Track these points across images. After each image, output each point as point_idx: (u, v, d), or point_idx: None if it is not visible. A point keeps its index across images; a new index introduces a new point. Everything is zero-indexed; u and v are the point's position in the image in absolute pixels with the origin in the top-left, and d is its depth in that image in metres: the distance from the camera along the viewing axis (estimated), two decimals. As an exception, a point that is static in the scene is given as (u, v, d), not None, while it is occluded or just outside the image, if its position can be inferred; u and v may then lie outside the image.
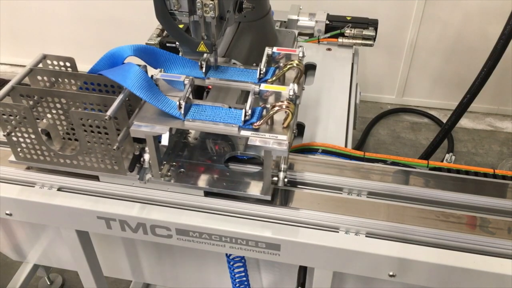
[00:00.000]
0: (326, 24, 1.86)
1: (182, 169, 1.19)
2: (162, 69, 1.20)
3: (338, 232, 1.11)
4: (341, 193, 1.20)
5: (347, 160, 1.30)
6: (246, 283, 1.34)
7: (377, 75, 3.28)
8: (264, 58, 1.21)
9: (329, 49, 1.85)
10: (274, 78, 1.18)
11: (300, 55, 1.22)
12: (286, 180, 1.16)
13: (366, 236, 1.10)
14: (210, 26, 1.11)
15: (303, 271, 1.26)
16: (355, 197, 1.19)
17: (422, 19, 2.97)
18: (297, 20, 1.89)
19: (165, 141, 1.09)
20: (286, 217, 1.14)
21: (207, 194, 1.17)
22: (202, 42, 1.14)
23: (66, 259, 1.59)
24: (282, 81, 1.19)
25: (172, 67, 1.23)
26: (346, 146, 1.40)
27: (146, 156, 1.14)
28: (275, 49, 1.24)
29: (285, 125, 1.06)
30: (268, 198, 1.14)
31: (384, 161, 1.29)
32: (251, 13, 1.28)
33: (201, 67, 1.20)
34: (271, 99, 1.13)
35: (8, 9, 3.42)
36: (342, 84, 1.66)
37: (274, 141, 1.03)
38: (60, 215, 1.21)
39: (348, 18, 1.86)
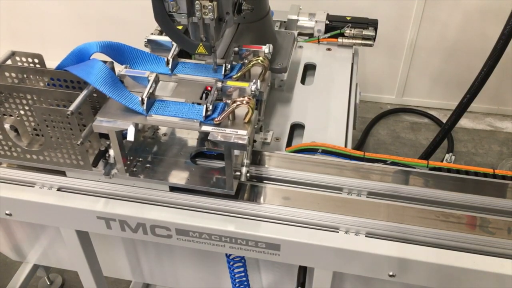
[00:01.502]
0: (326, 24, 1.86)
1: (148, 165, 1.20)
2: (128, 65, 1.21)
3: (338, 232, 1.11)
4: (341, 193, 1.20)
5: (347, 160, 1.30)
6: (246, 283, 1.34)
7: (377, 75, 3.28)
8: (231, 55, 1.24)
9: (329, 49, 1.85)
10: (239, 74, 1.20)
11: (266, 51, 1.24)
12: (248, 175, 1.17)
13: (366, 236, 1.10)
14: (209, 28, 1.12)
15: (303, 271, 1.26)
16: (355, 197, 1.19)
17: (422, 19, 2.97)
18: (297, 20, 1.89)
19: (130, 136, 1.11)
20: (286, 217, 1.14)
21: (173, 189, 1.19)
22: (200, 44, 1.14)
23: (66, 259, 1.59)
24: (248, 77, 1.22)
25: (139, 63, 1.25)
26: (346, 146, 1.40)
27: (111, 152, 1.15)
28: (242, 46, 1.27)
29: (246, 120, 1.08)
30: (232, 193, 1.15)
31: (384, 161, 1.29)
32: (250, 14, 1.28)
33: (167, 64, 1.22)
34: (234, 95, 1.14)
35: (8, 9, 3.42)
36: (342, 84, 1.66)
37: (235, 136, 1.05)
38: (60, 215, 1.21)
39: (348, 18, 1.86)
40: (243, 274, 1.32)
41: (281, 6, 1.92)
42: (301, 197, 1.19)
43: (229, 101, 1.10)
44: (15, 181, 1.23)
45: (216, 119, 1.07)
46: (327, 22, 1.86)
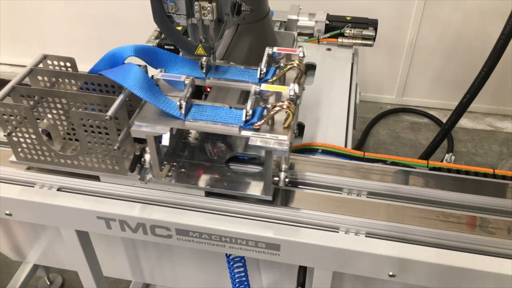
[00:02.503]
0: (326, 24, 1.86)
1: (183, 169, 1.19)
2: (163, 69, 1.19)
3: (338, 232, 1.11)
4: (341, 193, 1.20)
5: (347, 160, 1.30)
6: (246, 283, 1.34)
7: (377, 75, 3.28)
8: (265, 58, 1.21)
9: (329, 49, 1.85)
10: (274, 78, 1.18)
11: (301, 55, 1.21)
12: (287, 180, 1.15)
13: (366, 236, 1.10)
14: (208, 29, 1.11)
15: (303, 271, 1.26)
16: (355, 197, 1.19)
17: (422, 19, 2.97)
18: (297, 20, 1.89)
19: (165, 141, 1.10)
20: (287, 217, 1.14)
21: (208, 194, 1.17)
22: (200, 45, 1.13)
23: (66, 259, 1.59)
24: (282, 81, 1.19)
25: (173, 67, 1.22)
26: (346, 146, 1.40)
27: (147, 156, 1.14)
28: (275, 49, 1.24)
29: (286, 125, 1.06)
30: (269, 198, 1.14)
31: (384, 161, 1.29)
32: (249, 15, 1.27)
33: (202, 67, 1.20)
34: (271, 99, 1.12)
35: (7, 9, 3.42)
36: (342, 84, 1.66)
37: (275, 141, 1.03)
38: (60, 215, 1.21)
39: (348, 18, 1.86)
40: (243, 274, 1.32)
41: (281, 6, 1.92)
42: (301, 197, 1.19)
43: (268, 106, 1.07)
44: (15, 181, 1.23)
45: (256, 124, 1.05)
46: (327, 22, 1.86)
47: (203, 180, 1.17)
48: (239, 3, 1.18)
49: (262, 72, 1.19)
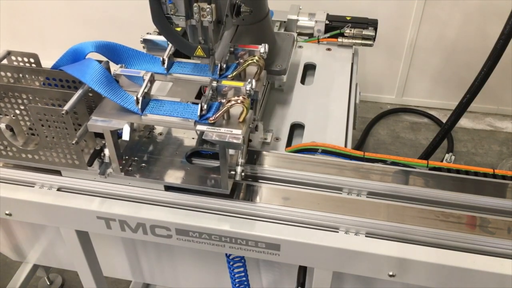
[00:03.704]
0: (326, 24, 1.86)
1: (143, 164, 1.20)
2: (123, 65, 1.21)
3: (337, 232, 1.11)
4: (341, 193, 1.20)
5: (347, 160, 1.30)
6: (246, 283, 1.34)
7: (377, 75, 3.28)
8: (227, 55, 1.23)
9: (328, 49, 1.85)
10: (234, 73, 1.20)
11: (262, 50, 1.24)
12: (243, 174, 1.16)
13: (366, 236, 1.10)
14: (207, 30, 1.11)
15: (302, 271, 1.26)
16: (355, 197, 1.19)
17: (422, 19, 2.97)
18: (297, 20, 1.89)
19: (126, 136, 1.11)
20: (287, 217, 1.14)
21: (168, 188, 1.19)
22: (199, 46, 1.13)
23: (66, 259, 1.59)
24: (243, 77, 1.22)
25: (135, 63, 1.25)
26: (346, 146, 1.40)
27: (107, 151, 1.15)
28: (237, 45, 1.27)
29: (241, 119, 1.08)
30: (227, 192, 1.15)
31: (384, 161, 1.29)
32: (249, 16, 1.27)
33: (163, 63, 1.22)
34: (230, 95, 1.14)
35: (7, 9, 3.42)
36: (342, 84, 1.66)
37: (230, 136, 1.05)
38: (60, 215, 1.21)
39: (348, 18, 1.86)
40: (243, 274, 1.32)
41: (281, 6, 1.92)
42: (301, 197, 1.19)
43: (224, 101, 1.10)
44: (15, 181, 1.23)
45: (211, 119, 1.07)
46: (327, 22, 1.86)
47: (163, 174, 1.18)
48: (239, 4, 1.18)
49: (222, 68, 1.21)
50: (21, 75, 1.23)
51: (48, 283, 2.28)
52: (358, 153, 1.32)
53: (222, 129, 1.06)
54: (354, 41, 1.83)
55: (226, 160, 1.10)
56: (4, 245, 1.60)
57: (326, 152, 1.32)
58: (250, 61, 1.20)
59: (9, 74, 1.23)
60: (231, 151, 1.18)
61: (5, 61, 1.24)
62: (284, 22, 1.90)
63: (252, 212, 1.15)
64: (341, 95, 1.61)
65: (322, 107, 1.55)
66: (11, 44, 3.59)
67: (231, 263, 1.30)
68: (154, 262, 1.51)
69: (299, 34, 1.90)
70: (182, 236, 1.16)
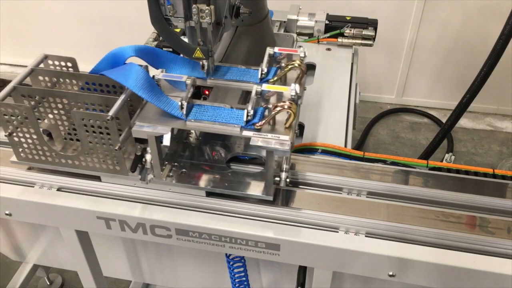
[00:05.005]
0: (326, 24, 1.86)
1: (183, 170, 1.19)
2: (164, 69, 1.19)
3: (337, 232, 1.11)
4: (341, 193, 1.20)
5: (347, 160, 1.30)
6: (245, 283, 1.34)
7: (377, 75, 3.29)
8: (266, 58, 1.21)
9: (328, 49, 1.85)
10: (275, 78, 1.18)
11: (302, 55, 1.21)
12: (288, 180, 1.15)
13: (365, 236, 1.10)
14: (206, 32, 1.10)
15: (302, 271, 1.26)
16: (355, 197, 1.19)
17: (422, 19, 2.97)
18: (297, 20, 1.89)
19: (166, 141, 1.09)
20: (287, 217, 1.14)
21: (209, 194, 1.17)
22: (198, 48, 1.12)
23: (65, 259, 1.59)
24: (283, 81, 1.19)
25: (174, 67, 1.22)
26: (345, 146, 1.40)
27: (148, 157, 1.13)
28: (276, 49, 1.24)
29: (287, 125, 1.06)
30: (270, 198, 1.14)
31: (383, 161, 1.29)
32: (248, 17, 1.26)
33: (203, 67, 1.19)
34: (272, 100, 1.12)
35: (7, 9, 3.42)
36: (342, 84, 1.66)
37: (276, 142, 1.03)
38: (60, 215, 1.21)
39: (348, 18, 1.86)
40: (243, 274, 1.32)
41: (281, 6, 1.92)
42: (301, 197, 1.19)
43: (270, 106, 1.07)
44: (15, 181, 1.23)
45: (258, 124, 1.05)
46: (327, 22, 1.86)
47: (204, 180, 1.17)
48: (238, 5, 1.18)
49: (263, 72, 1.18)
50: (60, 79, 1.21)
51: (48, 283, 2.28)
52: (358, 153, 1.32)
53: (269, 135, 1.04)
54: (354, 41, 1.84)
55: (272, 166, 1.08)
56: (4, 245, 1.60)
57: (326, 152, 1.32)
58: (292, 66, 1.16)
59: (47, 79, 1.20)
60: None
61: (41, 65, 1.21)
62: (284, 22, 1.90)
63: (252, 212, 1.15)
64: (341, 95, 1.61)
65: (322, 107, 1.55)
66: (11, 44, 3.60)
67: (231, 263, 1.30)
68: (154, 262, 1.51)
69: (299, 34, 1.90)
70: (182, 236, 1.16)
